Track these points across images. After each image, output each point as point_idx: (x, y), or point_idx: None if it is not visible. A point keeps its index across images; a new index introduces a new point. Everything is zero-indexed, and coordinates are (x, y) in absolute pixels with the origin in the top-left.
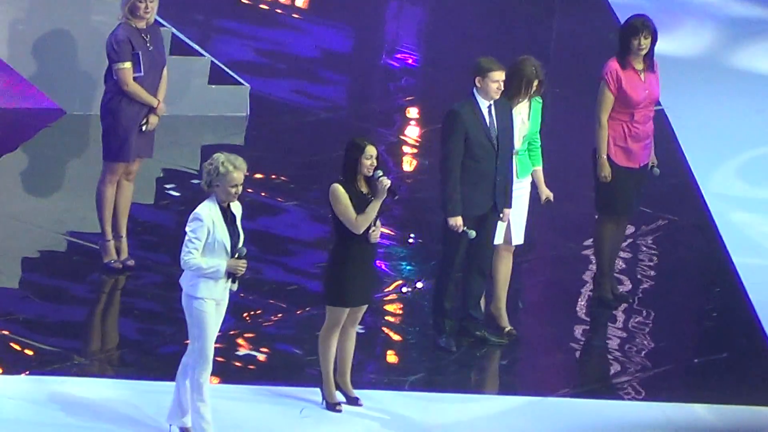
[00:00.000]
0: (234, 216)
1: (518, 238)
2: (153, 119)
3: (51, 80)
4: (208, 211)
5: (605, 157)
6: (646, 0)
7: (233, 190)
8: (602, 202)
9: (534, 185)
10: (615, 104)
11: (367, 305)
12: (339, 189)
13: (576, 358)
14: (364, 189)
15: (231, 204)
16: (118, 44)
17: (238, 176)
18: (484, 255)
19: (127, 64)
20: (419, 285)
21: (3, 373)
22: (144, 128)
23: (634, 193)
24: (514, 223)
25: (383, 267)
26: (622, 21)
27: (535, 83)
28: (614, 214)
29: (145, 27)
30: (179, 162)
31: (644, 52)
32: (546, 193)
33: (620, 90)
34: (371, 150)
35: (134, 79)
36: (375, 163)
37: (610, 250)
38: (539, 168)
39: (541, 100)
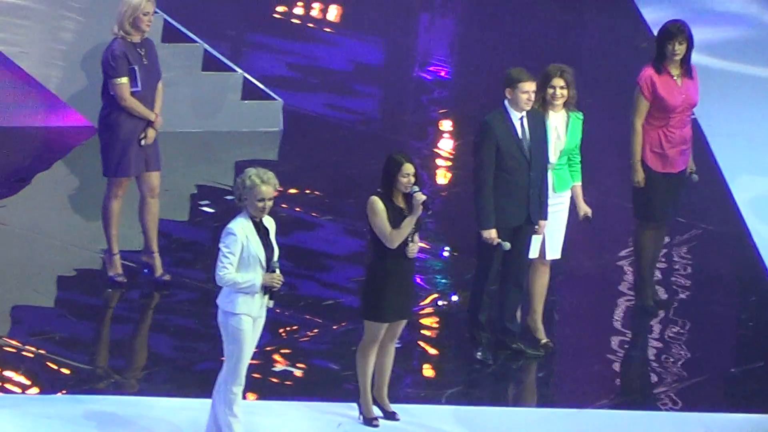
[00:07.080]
0: (267, 230)
1: (554, 253)
2: (151, 133)
3: (83, 98)
4: (241, 226)
5: (639, 161)
6: (678, 9)
7: (260, 205)
8: (640, 208)
9: (573, 200)
10: (651, 110)
11: (406, 320)
12: (377, 202)
13: (613, 370)
14: (402, 204)
15: (263, 218)
16: (114, 59)
17: (266, 190)
18: (520, 267)
19: (124, 79)
20: (454, 298)
21: (40, 393)
22: (142, 142)
23: (671, 200)
24: (550, 238)
25: (418, 280)
26: (654, 30)
27: (560, 85)
28: (653, 221)
29: (140, 41)
30: (213, 178)
31: (679, 57)
32: (584, 209)
33: (655, 95)
34: (408, 168)
35: (132, 93)
36: (412, 180)
37: (651, 257)
38: (578, 184)
39: (581, 116)
